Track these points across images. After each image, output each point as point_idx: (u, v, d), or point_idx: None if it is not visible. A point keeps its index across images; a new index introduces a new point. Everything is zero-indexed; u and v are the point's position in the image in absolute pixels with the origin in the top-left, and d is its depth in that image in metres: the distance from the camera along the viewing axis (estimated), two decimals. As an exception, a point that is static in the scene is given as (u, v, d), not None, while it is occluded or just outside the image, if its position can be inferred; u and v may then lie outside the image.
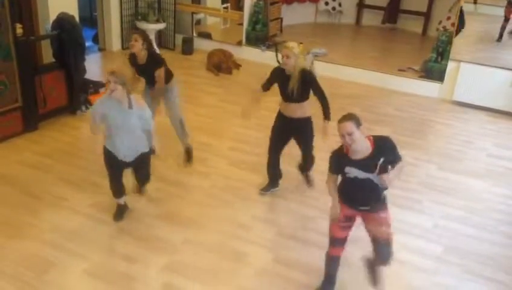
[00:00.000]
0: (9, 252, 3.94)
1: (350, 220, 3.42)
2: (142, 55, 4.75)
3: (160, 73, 4.83)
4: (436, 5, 10.41)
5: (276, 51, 7.86)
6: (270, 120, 4.70)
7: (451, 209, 4.87)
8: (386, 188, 3.25)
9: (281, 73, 4.38)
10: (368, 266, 3.60)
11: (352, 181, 3.24)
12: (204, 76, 8.22)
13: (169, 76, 4.99)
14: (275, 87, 4.53)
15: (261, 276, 3.86)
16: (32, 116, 5.85)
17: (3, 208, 4.46)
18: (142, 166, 4.28)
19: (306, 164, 4.82)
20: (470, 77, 7.38)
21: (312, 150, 4.71)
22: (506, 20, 7.91)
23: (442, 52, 7.62)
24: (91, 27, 9.40)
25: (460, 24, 7.68)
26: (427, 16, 10.64)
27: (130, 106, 3.86)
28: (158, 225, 4.36)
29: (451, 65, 7.58)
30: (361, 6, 11.41)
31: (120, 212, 4.40)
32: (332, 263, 3.58)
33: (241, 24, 9.07)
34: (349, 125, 3.07)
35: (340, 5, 11.30)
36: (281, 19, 9.58)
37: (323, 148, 4.25)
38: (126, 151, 4.04)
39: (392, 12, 11.05)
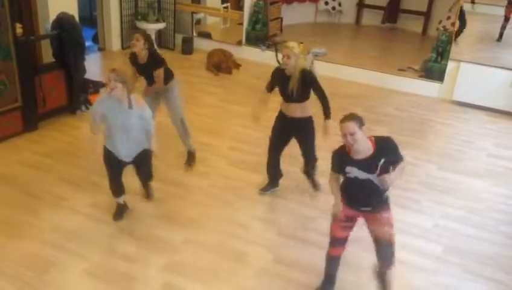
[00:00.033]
0: (9, 252, 3.94)
1: (351, 220, 3.41)
2: (142, 54, 4.74)
3: (159, 73, 4.82)
4: (436, 4, 10.41)
5: (276, 50, 7.86)
6: (271, 120, 4.70)
7: (451, 209, 4.87)
8: (386, 189, 3.23)
9: (281, 74, 4.37)
10: (377, 275, 3.55)
11: (352, 181, 3.23)
12: (204, 76, 8.22)
13: (169, 76, 4.99)
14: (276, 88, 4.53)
15: (261, 276, 3.86)
16: (32, 116, 5.85)
17: (3, 208, 4.46)
18: (143, 163, 4.28)
19: (308, 165, 4.80)
20: (470, 76, 7.38)
21: (314, 150, 4.70)
22: (507, 19, 7.91)
23: (442, 52, 7.62)
24: (91, 27, 9.39)
25: (462, 24, 7.68)
26: (427, 15, 10.64)
27: (130, 106, 3.85)
28: (158, 225, 4.36)
29: (451, 65, 7.58)
30: (361, 6, 11.41)
31: (120, 212, 4.41)
32: (332, 262, 3.58)
33: (241, 24, 9.07)
34: (352, 125, 3.06)
35: (340, 4, 11.30)
36: (281, 19, 9.57)
37: (324, 148, 4.26)
38: (126, 151, 4.05)
39: (392, 12, 11.05)
